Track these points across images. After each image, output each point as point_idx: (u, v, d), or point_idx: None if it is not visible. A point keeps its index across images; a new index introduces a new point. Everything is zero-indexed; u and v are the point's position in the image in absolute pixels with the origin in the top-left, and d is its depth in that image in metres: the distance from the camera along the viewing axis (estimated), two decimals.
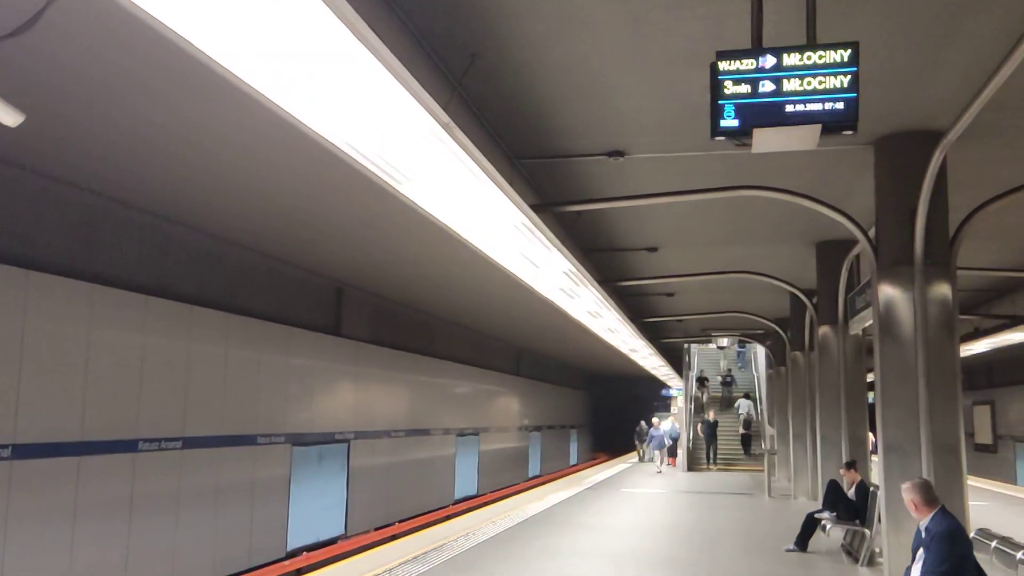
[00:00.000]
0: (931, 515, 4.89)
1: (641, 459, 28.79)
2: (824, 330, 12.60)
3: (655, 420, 25.86)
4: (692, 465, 24.57)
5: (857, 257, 11.18)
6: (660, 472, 23.26)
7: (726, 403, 31.46)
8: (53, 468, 8.65)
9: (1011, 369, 23.33)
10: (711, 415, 26.18)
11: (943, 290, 6.99)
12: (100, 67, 5.94)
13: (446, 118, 4.57)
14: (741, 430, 27.06)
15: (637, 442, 29.54)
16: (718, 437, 25.83)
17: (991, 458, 24.58)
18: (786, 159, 7.35)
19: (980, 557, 5.15)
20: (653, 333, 22.01)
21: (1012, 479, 22.93)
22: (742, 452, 26.56)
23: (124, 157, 8.11)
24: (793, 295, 14.62)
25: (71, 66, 5.94)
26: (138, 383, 9.90)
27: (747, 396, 29.79)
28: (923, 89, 6.20)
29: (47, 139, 7.44)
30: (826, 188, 8.39)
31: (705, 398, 30.92)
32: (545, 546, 10.46)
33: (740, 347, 36.48)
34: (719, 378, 34.05)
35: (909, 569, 5.01)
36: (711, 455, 25.35)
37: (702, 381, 31.87)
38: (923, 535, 4.90)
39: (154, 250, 10.56)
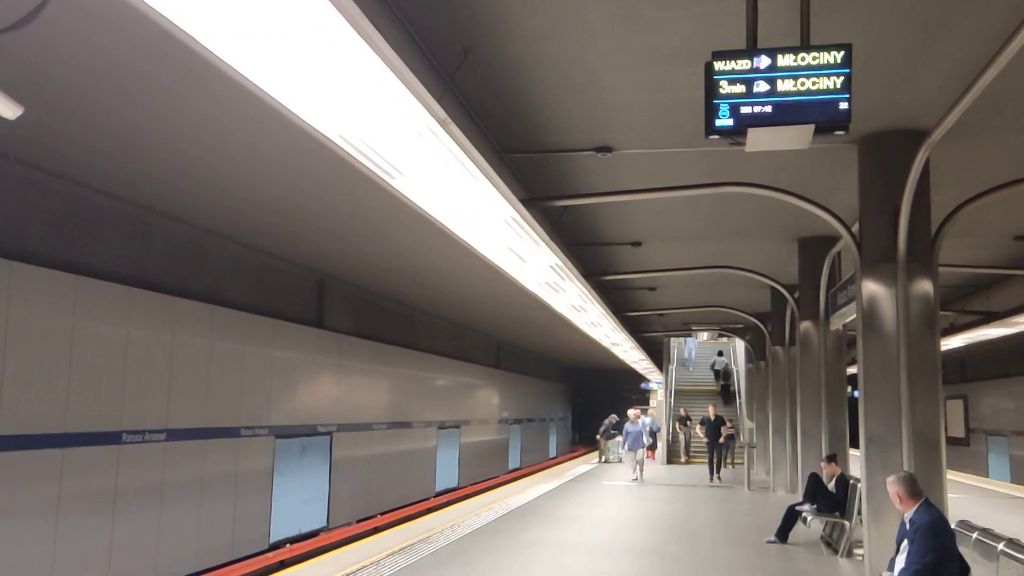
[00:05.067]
0: (915, 507, 5.00)
1: (604, 459, 25.23)
2: (805, 325, 12.76)
3: (632, 412, 20.23)
4: (670, 458, 24.71)
5: (839, 253, 11.30)
6: (637, 480, 18.70)
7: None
8: (36, 460, 8.60)
9: (984, 364, 23.70)
10: (712, 411, 20.20)
11: (925, 287, 7.11)
12: (96, 57, 5.89)
13: (443, 114, 4.60)
14: (721, 381, 30.16)
15: (601, 439, 25.93)
16: (723, 441, 20.03)
17: (964, 451, 24.94)
18: (770, 156, 7.39)
19: (961, 549, 5.26)
20: (635, 327, 22.11)
21: (984, 472, 23.31)
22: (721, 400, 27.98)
23: (114, 146, 8.03)
24: (774, 290, 14.76)
25: (68, 56, 5.89)
26: (122, 375, 9.84)
27: (720, 354, 31.79)
28: (908, 89, 6.30)
29: (36, 128, 7.37)
30: (810, 185, 8.48)
31: (684, 439, 25.07)
32: (530, 538, 10.54)
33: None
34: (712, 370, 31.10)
35: (893, 560, 5.12)
36: (716, 465, 19.30)
37: (684, 420, 25.10)
38: (907, 527, 5.01)
39: (138, 241, 10.48)
